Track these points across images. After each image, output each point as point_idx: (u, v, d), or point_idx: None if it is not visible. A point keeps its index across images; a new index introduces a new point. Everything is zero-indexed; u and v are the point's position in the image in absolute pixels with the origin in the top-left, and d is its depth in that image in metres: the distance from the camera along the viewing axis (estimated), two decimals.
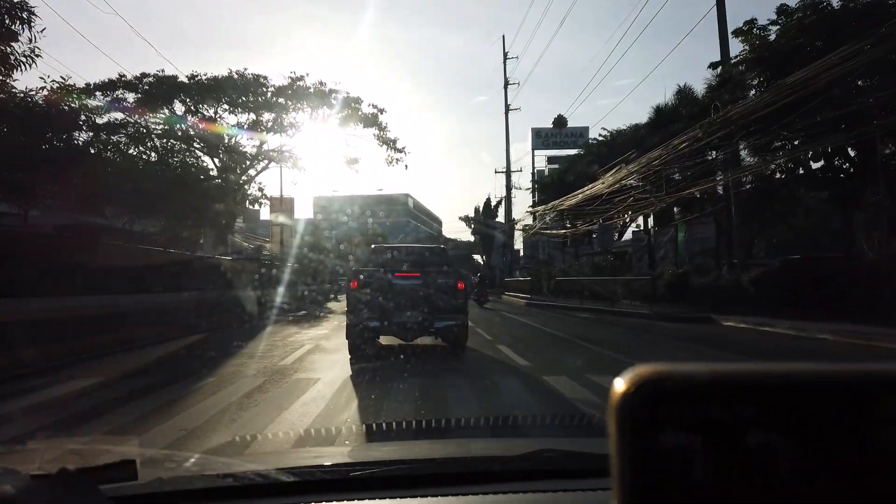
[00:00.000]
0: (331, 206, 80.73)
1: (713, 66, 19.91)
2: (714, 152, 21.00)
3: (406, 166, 23.06)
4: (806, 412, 0.48)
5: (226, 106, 21.76)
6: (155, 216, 18.44)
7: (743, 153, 19.28)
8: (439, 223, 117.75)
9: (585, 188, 30.19)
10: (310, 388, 6.96)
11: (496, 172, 63.76)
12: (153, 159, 19.54)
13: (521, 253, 66.46)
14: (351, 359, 9.14)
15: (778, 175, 19.14)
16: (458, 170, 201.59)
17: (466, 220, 64.27)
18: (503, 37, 63.83)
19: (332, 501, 1.52)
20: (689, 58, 38.25)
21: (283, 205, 27.01)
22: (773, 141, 18.64)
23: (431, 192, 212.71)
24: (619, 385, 0.50)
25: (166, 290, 14.28)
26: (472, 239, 76.52)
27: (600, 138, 41.33)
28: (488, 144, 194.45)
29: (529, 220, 53.77)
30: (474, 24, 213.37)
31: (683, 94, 22.41)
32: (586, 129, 67.96)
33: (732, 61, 18.61)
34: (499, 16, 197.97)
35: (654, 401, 0.49)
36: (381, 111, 21.82)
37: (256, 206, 24.29)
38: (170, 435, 4.74)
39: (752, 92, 18.31)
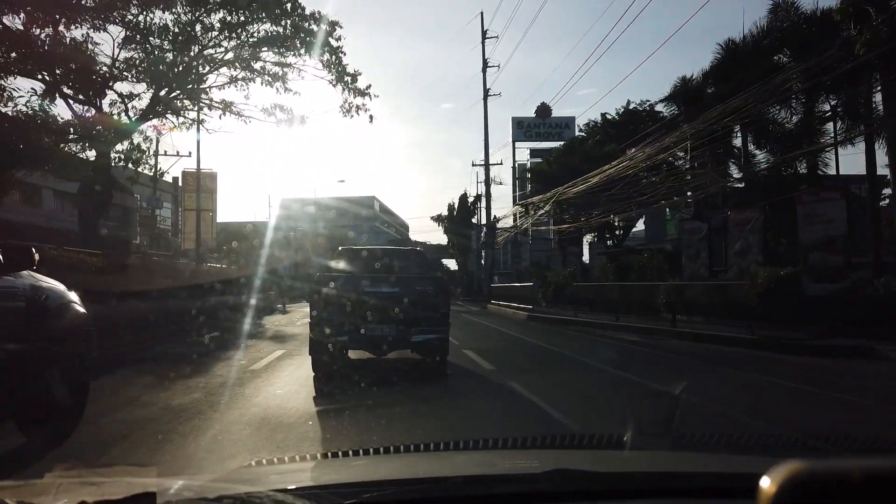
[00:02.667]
0: (291, 207, 74.41)
1: None
2: (831, 97, 14.18)
3: (371, 117, 15.79)
4: None
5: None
6: None
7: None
8: (406, 227, 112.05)
9: (606, 168, 23.22)
10: None
11: (473, 165, 56.91)
12: None
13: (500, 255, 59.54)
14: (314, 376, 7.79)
15: None
16: (424, 175, 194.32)
17: (439, 219, 57.04)
18: (482, 14, 56.27)
19: None
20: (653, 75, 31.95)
21: (200, 182, 19.34)
22: None
23: (397, 197, 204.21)
24: (767, 482, 0.49)
25: None
26: (442, 242, 69.42)
27: (610, 117, 34.65)
28: (456, 151, 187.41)
29: (511, 221, 46.91)
30: (437, 32, 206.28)
31: (783, 9, 15.41)
32: (572, 119, 61.39)
33: None
34: (460, 24, 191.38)
35: (803, 498, 0.49)
36: (335, 25, 14.46)
37: (144, 170, 16.57)
38: None
39: None
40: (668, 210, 30.96)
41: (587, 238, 35.09)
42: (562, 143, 49.43)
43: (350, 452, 3.18)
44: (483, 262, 48.67)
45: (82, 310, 5.10)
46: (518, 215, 44.25)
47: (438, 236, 67.83)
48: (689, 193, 19.33)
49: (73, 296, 5.10)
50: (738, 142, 17.98)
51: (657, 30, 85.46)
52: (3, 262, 4.30)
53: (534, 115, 61.05)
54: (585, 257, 35.65)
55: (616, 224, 31.77)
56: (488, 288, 40.04)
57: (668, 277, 19.11)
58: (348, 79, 14.81)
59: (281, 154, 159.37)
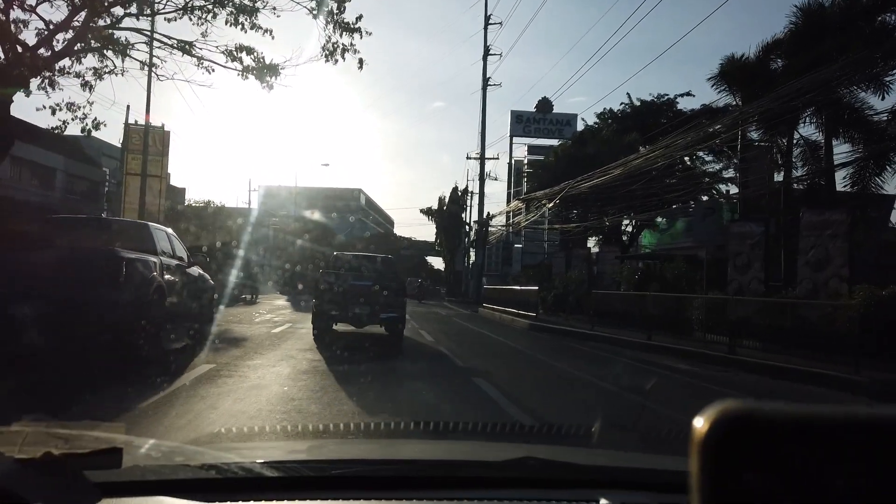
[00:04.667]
0: (272, 195, 71.31)
1: None
2: None
3: (361, 61, 12.22)
4: (888, 456, 0.48)
5: None
6: None
7: None
8: (391, 223, 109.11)
9: (631, 157, 19.87)
10: None
11: (468, 158, 53.24)
12: None
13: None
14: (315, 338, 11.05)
15: None
16: (413, 170, 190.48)
17: (429, 212, 53.51)
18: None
19: (314, 499, 1.49)
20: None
21: (150, 140, 15.66)
22: None
23: (383, 189, 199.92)
24: (702, 421, 0.49)
25: None
26: (429, 237, 65.96)
27: (618, 109, 31.43)
28: (446, 148, 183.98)
29: (504, 219, 43.52)
30: (429, 29, 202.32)
31: None
32: (574, 116, 57.95)
33: None
34: (453, 22, 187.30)
35: (737, 438, 0.49)
36: None
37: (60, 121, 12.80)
38: None
39: None
40: (659, 218, 27.91)
41: (591, 241, 31.94)
42: (562, 140, 46.22)
43: (321, 427, 3.42)
44: (474, 261, 45.25)
45: (212, 283, 11.76)
46: (513, 214, 40.92)
47: (425, 231, 64.72)
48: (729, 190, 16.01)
49: (206, 275, 11.43)
50: (803, 130, 14.84)
51: (649, 43, 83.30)
52: (191, 259, 10.56)
53: (534, 110, 57.74)
54: None
55: (629, 226, 28.62)
56: (479, 289, 36.57)
57: (701, 290, 15.85)
58: (333, 5, 11.32)
59: (257, 126, 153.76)
